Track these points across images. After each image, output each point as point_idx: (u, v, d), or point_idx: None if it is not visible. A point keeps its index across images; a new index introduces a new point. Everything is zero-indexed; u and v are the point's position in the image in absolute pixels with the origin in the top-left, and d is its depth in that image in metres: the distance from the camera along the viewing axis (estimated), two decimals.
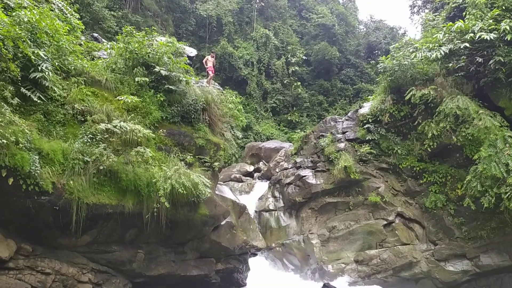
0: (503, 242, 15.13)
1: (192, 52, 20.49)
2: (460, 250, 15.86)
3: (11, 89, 9.00)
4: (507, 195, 13.40)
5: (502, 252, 15.14)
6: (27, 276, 9.47)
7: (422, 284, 16.14)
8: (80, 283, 10.44)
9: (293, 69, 44.32)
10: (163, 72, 13.05)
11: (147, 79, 12.81)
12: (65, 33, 11.48)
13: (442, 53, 16.19)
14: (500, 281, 15.23)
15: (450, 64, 16.78)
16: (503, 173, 13.62)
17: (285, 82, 43.87)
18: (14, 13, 9.97)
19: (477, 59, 15.64)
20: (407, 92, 17.20)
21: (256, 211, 20.61)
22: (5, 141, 8.06)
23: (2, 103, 8.58)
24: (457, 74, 16.71)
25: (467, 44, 15.53)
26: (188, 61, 15.64)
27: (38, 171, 8.84)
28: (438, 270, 15.94)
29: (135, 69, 13.00)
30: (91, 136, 10.35)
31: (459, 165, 16.30)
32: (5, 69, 9.01)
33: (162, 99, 12.92)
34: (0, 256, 8.95)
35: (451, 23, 16.81)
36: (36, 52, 9.80)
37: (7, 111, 8.51)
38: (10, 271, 9.27)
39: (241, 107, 17.33)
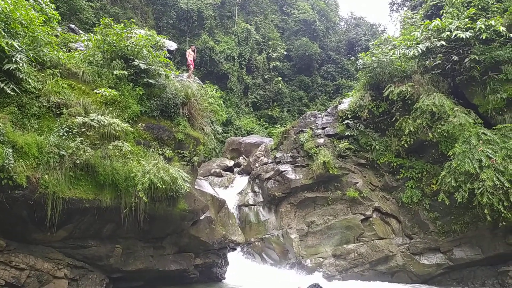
0: (476, 236, 15.51)
1: (172, 45, 20.29)
2: (434, 244, 16.19)
3: None
4: (480, 190, 13.77)
5: (475, 246, 15.52)
6: (1, 271, 9.29)
7: (397, 277, 16.42)
8: (55, 278, 10.29)
9: (274, 64, 44.39)
10: (142, 66, 12.90)
11: (125, 72, 12.63)
12: (41, 24, 11.22)
13: (420, 50, 16.51)
14: (472, 274, 15.61)
15: (427, 62, 17.11)
16: (476, 169, 13.99)
17: (266, 77, 43.91)
18: None
19: (453, 57, 16.00)
20: (385, 88, 17.45)
21: (235, 206, 20.65)
22: None
23: None
24: (433, 72, 17.03)
25: (444, 43, 15.86)
26: (168, 54, 15.50)
27: (12, 165, 8.66)
28: (413, 263, 16.25)
29: (114, 62, 12.81)
30: (67, 129, 10.20)
31: (435, 161, 16.64)
32: None
33: (141, 92, 12.77)
34: None
35: (428, 21, 17.13)
36: (10, 42, 9.55)
37: None
38: None
39: (221, 102, 17.30)
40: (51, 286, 10.18)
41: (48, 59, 11.20)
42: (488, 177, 13.69)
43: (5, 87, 9.37)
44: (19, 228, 9.73)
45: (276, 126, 32.67)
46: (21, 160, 9.03)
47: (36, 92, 10.37)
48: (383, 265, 16.53)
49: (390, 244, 16.81)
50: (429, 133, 16.02)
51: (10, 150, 8.77)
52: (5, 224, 9.45)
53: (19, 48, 9.85)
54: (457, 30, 15.52)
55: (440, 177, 15.35)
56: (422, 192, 16.72)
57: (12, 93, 9.52)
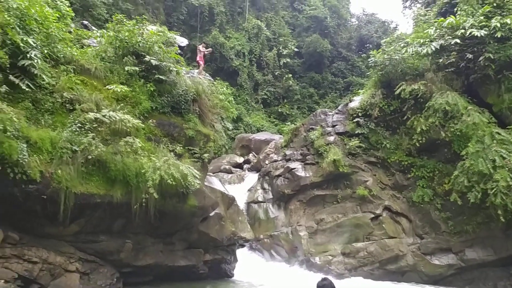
0: (488, 237, 15.36)
1: (184, 42, 20.26)
2: (446, 244, 16.06)
3: None
4: (493, 190, 13.62)
5: (487, 247, 15.37)
6: (14, 264, 9.39)
7: (407, 277, 16.33)
8: (67, 272, 10.40)
9: (285, 61, 44.20)
10: (154, 62, 12.95)
11: (137, 69, 12.71)
12: (55, 20, 11.31)
13: (433, 48, 16.33)
14: (484, 275, 15.45)
15: (441, 60, 16.91)
16: (490, 169, 13.83)
17: (276, 74, 43.75)
18: (3, 0, 9.78)
19: (467, 56, 15.79)
20: (397, 86, 17.29)
21: (245, 203, 20.66)
22: None
23: None
24: (447, 70, 16.84)
25: (458, 40, 15.67)
26: (179, 51, 15.53)
27: (26, 160, 8.74)
28: (424, 263, 16.14)
29: (125, 58, 12.86)
30: (80, 125, 10.26)
31: (447, 161, 16.47)
32: None
33: (152, 89, 12.83)
34: None
35: (442, 18, 16.93)
36: (25, 39, 9.66)
37: None
38: None
39: (232, 99, 17.31)
40: (63, 280, 10.28)
41: (62, 55, 11.31)
42: (501, 178, 13.53)
43: (20, 83, 9.47)
44: (32, 222, 9.85)
45: (286, 123, 32.60)
46: (35, 155, 9.12)
47: (50, 88, 10.47)
48: (393, 265, 16.45)
49: (400, 243, 16.71)
50: (441, 132, 15.86)
51: (25, 145, 8.85)
52: (19, 218, 9.58)
53: (34, 45, 9.94)
54: (472, 28, 15.31)
55: (452, 176, 15.20)
56: (434, 191, 16.57)
57: (26, 89, 9.61)
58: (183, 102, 13.49)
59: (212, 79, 17.95)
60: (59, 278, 10.24)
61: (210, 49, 20.75)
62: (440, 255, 16.07)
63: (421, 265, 16.16)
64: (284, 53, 44.45)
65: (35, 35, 10.30)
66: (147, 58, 12.92)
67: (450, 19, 16.09)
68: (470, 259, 15.49)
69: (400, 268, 16.41)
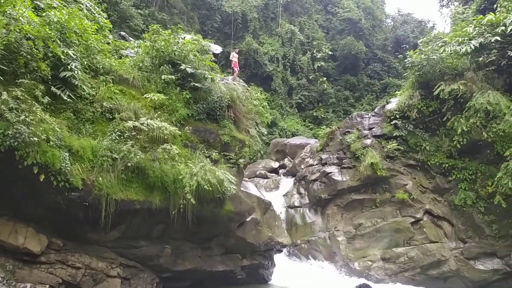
0: None
1: (218, 49, 20.57)
2: (490, 249, 15.46)
3: (42, 88, 9.21)
4: None
5: None
6: (58, 270, 9.74)
7: (451, 282, 15.82)
8: (109, 277, 10.67)
9: (319, 65, 43.90)
10: (189, 70, 13.20)
11: (173, 77, 12.98)
12: (93, 32, 11.74)
13: (472, 47, 15.84)
14: None
15: (481, 58, 16.34)
16: None
17: (310, 77, 43.50)
18: (44, 14, 10.22)
19: (509, 53, 15.20)
20: (435, 87, 16.82)
21: (281, 208, 20.59)
22: (36, 139, 8.30)
23: (34, 102, 8.80)
24: (487, 69, 16.25)
25: (498, 38, 15.14)
26: (213, 58, 15.75)
27: (69, 168, 9.06)
28: (468, 268, 15.59)
29: (162, 67, 13.17)
30: (119, 133, 10.56)
31: (490, 162, 15.83)
32: (36, 68, 9.25)
33: (188, 96, 13.06)
34: (32, 250, 9.26)
35: (481, 16, 16.43)
36: (65, 51, 10.04)
37: (38, 109, 8.72)
38: (41, 265, 9.56)
39: (266, 104, 17.33)
40: (105, 285, 10.57)
41: (101, 66, 11.68)
42: None
43: (61, 94, 9.85)
44: (75, 228, 10.18)
45: (321, 127, 32.24)
46: (77, 163, 9.44)
47: (90, 98, 10.83)
48: (435, 270, 15.97)
49: (442, 248, 16.20)
50: (483, 133, 15.29)
51: (67, 154, 9.18)
52: (62, 224, 9.92)
53: (74, 56, 10.32)
54: None
55: (496, 178, 14.61)
56: (477, 194, 15.95)
57: (68, 99, 9.98)
58: (218, 109, 13.65)
59: (246, 85, 18.07)
60: (101, 283, 10.51)
61: (236, 49, 20.93)
62: (484, 259, 15.49)
63: (464, 270, 15.61)
64: (318, 56, 44.18)
65: (75, 47, 10.71)
66: (183, 66, 13.18)
67: (490, 16, 15.57)
68: None
69: (443, 274, 15.91)
